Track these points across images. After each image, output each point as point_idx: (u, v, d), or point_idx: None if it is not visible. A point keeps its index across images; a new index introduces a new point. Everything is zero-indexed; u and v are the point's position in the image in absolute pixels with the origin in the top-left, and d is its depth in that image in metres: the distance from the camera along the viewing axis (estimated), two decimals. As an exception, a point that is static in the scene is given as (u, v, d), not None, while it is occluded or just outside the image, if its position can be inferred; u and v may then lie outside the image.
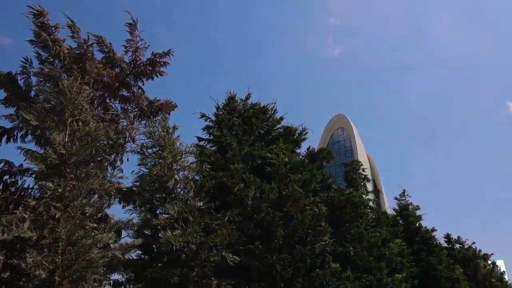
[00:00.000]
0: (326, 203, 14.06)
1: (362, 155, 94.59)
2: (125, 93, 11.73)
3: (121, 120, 11.54)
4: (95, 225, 7.11)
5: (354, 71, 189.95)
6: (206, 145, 14.15)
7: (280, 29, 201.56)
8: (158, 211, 9.34)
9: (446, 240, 39.30)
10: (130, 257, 10.22)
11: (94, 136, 7.32)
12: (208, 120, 14.50)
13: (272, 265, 9.98)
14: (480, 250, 40.56)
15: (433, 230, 20.80)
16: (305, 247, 10.66)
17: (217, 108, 14.52)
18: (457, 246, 39.49)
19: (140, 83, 11.86)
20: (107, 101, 11.36)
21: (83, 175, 7.27)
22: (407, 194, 22.03)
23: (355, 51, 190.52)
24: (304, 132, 15.84)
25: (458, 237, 39.75)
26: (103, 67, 10.55)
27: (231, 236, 8.75)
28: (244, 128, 14.28)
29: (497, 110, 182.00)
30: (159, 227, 8.41)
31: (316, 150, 15.11)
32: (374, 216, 15.89)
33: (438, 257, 19.01)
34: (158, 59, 11.63)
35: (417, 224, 20.18)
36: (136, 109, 11.95)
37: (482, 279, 33.21)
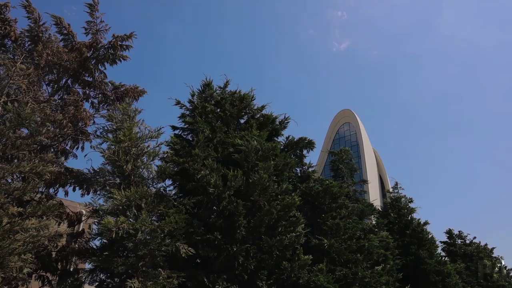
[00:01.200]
0: (304, 194, 13.58)
1: (368, 150, 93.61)
2: (87, 78, 11.29)
3: (86, 105, 11.13)
4: (19, 209, 6.70)
5: (361, 66, 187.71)
6: (181, 133, 13.74)
7: (284, 23, 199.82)
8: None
9: (447, 235, 38.52)
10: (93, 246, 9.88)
11: (25, 117, 6.90)
12: (184, 107, 14.07)
13: (234, 256, 9.50)
14: (486, 245, 39.72)
15: (426, 223, 20.09)
16: (272, 238, 10.16)
17: (192, 95, 14.08)
18: (459, 241, 38.67)
19: (102, 68, 11.40)
20: (71, 86, 10.94)
21: (12, 157, 6.88)
22: (400, 187, 21.32)
23: (362, 45, 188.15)
24: (285, 121, 15.32)
25: (459, 231, 38.88)
26: (61, 49, 10.12)
27: (178, 223, 8.26)
28: (220, 115, 13.82)
29: (507, 105, 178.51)
30: (101, 213, 7.97)
31: (296, 139, 14.53)
32: (359, 208, 15.28)
33: (428, 250, 18.33)
34: (119, 42, 11.16)
35: (409, 217, 19.49)
36: (100, 95, 11.52)
37: (485, 275, 32.37)
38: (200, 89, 14.11)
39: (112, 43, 10.93)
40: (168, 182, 11.38)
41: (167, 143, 12.36)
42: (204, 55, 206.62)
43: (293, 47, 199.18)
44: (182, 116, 13.91)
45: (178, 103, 14.00)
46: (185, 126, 13.53)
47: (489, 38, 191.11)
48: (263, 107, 15.06)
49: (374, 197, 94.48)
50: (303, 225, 11.16)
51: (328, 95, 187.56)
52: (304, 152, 14.60)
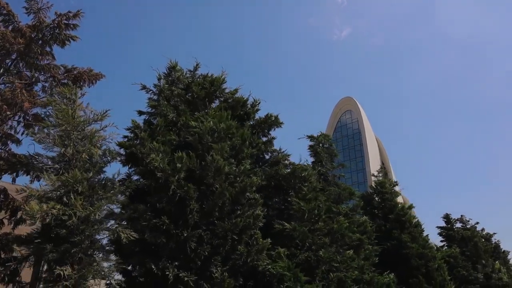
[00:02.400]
0: (272, 177, 13.07)
1: (370, 137, 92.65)
2: (38, 61, 10.83)
3: (36, 89, 10.68)
4: None
5: (362, 53, 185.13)
6: (148, 118, 13.30)
7: (285, 12, 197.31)
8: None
9: (445, 219, 37.85)
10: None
11: None
12: (150, 92, 13.61)
13: (186, 242, 9.08)
14: (483, 229, 38.97)
15: (411, 207, 19.52)
16: (226, 222, 9.71)
17: (159, 79, 13.60)
18: (460, 225, 37.98)
19: (49, 49, 10.92)
20: (21, 69, 10.52)
21: None
22: (385, 171, 20.69)
23: (363, 32, 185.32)
24: (257, 103, 14.80)
25: (461, 216, 38.17)
26: (7, 32, 9.66)
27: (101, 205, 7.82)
28: (188, 99, 13.35)
29: (509, 90, 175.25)
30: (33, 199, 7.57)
31: (263, 117, 13.99)
32: (336, 192, 14.75)
33: (411, 234, 17.79)
34: (65, 21, 10.65)
35: (393, 202, 18.92)
36: (51, 78, 11.08)
37: (480, 258, 31.72)
38: (166, 72, 13.64)
39: (56, 22, 10.44)
40: (125, 168, 11.05)
41: (127, 128, 11.98)
42: (204, 44, 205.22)
43: (294, 35, 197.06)
44: (149, 100, 13.48)
45: (144, 87, 13.55)
46: (151, 111, 13.09)
47: (490, 22, 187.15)
48: (236, 90, 14.58)
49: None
50: (260, 207, 10.70)
51: (330, 83, 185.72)
52: (272, 132, 14.11)
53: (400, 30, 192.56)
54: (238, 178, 10.56)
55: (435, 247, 40.39)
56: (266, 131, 14.11)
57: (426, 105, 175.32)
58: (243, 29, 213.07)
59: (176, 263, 9.03)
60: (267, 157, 14.13)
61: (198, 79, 14.21)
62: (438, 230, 38.39)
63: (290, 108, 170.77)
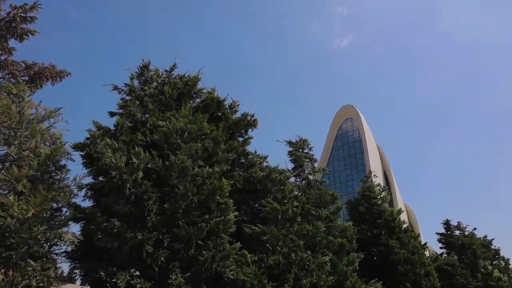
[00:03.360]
0: (247, 181, 12.43)
1: (371, 145, 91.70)
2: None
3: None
4: None
5: (363, 61, 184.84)
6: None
7: (284, 20, 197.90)
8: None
9: (445, 226, 36.79)
10: None
11: None
12: (122, 92, 13.09)
13: (141, 246, 8.42)
14: (485, 236, 37.84)
15: (399, 212, 18.71)
16: (190, 226, 9.05)
17: (131, 78, 13.09)
18: (458, 232, 36.93)
19: (6, 44, 10.45)
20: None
21: None
22: (375, 175, 19.95)
23: (364, 40, 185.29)
24: (235, 105, 14.21)
25: (458, 222, 37.14)
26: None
27: (43, 206, 7.22)
28: (160, 99, 12.81)
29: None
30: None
31: (238, 118, 13.37)
32: (317, 196, 14.05)
33: (399, 240, 16.96)
34: (22, 14, 10.18)
35: (381, 207, 18.14)
36: (9, 75, 10.59)
37: (478, 266, 30.59)
38: (138, 71, 13.13)
39: (12, 15, 9.97)
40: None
41: (88, 130, 11.47)
42: (205, 53, 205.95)
43: (295, 44, 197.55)
44: (122, 100, 12.98)
45: (115, 88, 13.02)
46: (122, 111, 12.56)
47: (493, 29, 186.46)
48: (213, 90, 14.00)
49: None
50: (232, 211, 10.04)
51: (330, 91, 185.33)
52: (250, 132, 13.49)
53: (402, 37, 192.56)
54: (207, 181, 9.92)
55: (433, 255, 39.44)
56: (242, 131, 13.48)
57: (428, 112, 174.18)
58: (244, 37, 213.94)
59: (132, 269, 8.38)
60: (243, 160, 13.51)
61: (175, 79, 13.71)
62: (438, 237, 37.44)
63: (291, 117, 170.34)
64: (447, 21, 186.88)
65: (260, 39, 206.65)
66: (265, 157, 13.51)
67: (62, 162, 8.66)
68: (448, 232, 35.28)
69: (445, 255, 34.62)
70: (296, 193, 14.43)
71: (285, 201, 12.17)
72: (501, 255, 35.35)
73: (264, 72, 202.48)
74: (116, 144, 9.07)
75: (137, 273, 8.34)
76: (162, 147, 9.88)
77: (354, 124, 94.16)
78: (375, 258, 16.39)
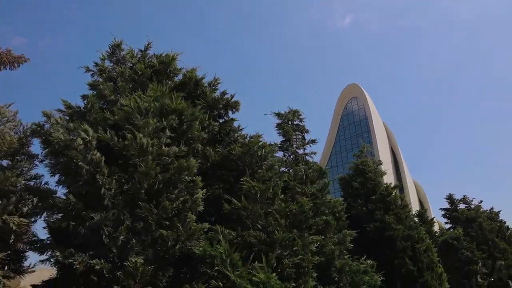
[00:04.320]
0: (225, 158, 11.66)
1: (377, 124, 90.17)
2: None
3: None
4: None
5: (366, 40, 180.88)
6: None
7: (284, 2, 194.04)
8: None
9: (448, 200, 35.80)
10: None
11: None
12: (94, 74, 12.37)
13: (99, 227, 7.81)
14: (491, 208, 36.75)
15: (396, 186, 17.84)
16: (153, 205, 8.40)
17: (103, 59, 12.34)
18: (464, 206, 35.91)
19: None
20: None
21: None
22: (369, 150, 18.99)
23: (366, 18, 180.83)
24: (216, 82, 13.36)
25: (463, 196, 36.10)
26: None
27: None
28: (133, 78, 12.07)
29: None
30: None
31: (218, 96, 12.53)
32: (301, 171, 13.27)
33: (396, 215, 16.15)
34: None
35: (376, 181, 17.23)
36: None
37: (485, 239, 29.69)
38: (109, 51, 12.36)
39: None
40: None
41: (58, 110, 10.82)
42: (203, 36, 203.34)
43: (297, 24, 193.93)
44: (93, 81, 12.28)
45: (88, 69, 12.31)
46: (93, 92, 11.86)
47: (492, 5, 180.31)
48: (193, 69, 13.18)
49: (387, 170, 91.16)
50: (201, 190, 9.39)
51: (335, 71, 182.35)
52: (230, 113, 12.67)
53: (405, 14, 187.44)
54: (172, 160, 9.24)
55: (441, 230, 38.48)
56: (222, 112, 12.67)
57: (433, 88, 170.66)
58: (244, 20, 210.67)
59: (91, 252, 7.79)
60: (226, 138, 12.75)
61: (151, 59, 12.93)
62: (442, 212, 36.51)
63: (295, 98, 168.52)
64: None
65: (260, 21, 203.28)
66: (259, 136, 12.56)
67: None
68: (452, 207, 34.30)
69: (451, 229, 33.76)
70: (282, 168, 13.68)
71: (265, 178, 11.44)
72: (507, 226, 34.23)
73: (265, 55, 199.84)
74: (71, 124, 8.39)
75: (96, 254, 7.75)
76: (123, 127, 9.19)
77: (360, 103, 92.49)
78: (370, 234, 15.63)
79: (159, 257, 8.29)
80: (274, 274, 9.29)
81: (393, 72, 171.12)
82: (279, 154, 14.51)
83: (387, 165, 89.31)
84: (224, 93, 12.34)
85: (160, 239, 8.34)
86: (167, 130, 9.67)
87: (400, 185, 17.93)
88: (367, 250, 14.82)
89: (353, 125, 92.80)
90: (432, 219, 40.99)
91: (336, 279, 11.27)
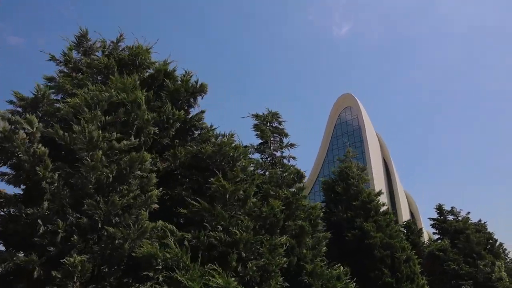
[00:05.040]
0: (195, 156, 10.91)
1: (370, 134, 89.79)
2: None
3: None
4: None
5: (362, 49, 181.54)
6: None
7: (284, 8, 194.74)
8: None
9: (437, 211, 35.11)
10: None
11: None
12: (60, 63, 11.65)
13: (35, 223, 7.03)
14: (479, 220, 36.09)
15: (379, 193, 17.10)
16: (100, 201, 7.62)
17: (70, 49, 11.63)
18: (451, 217, 35.23)
19: None
20: None
21: None
22: (354, 155, 18.30)
23: (363, 28, 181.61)
24: (188, 76, 12.62)
25: (451, 207, 35.42)
26: None
27: None
28: (100, 69, 11.35)
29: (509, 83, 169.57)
30: None
31: (179, 84, 11.73)
32: (278, 174, 12.53)
33: (376, 223, 15.36)
34: None
35: (358, 187, 16.49)
36: None
37: (472, 251, 28.89)
38: (76, 41, 11.65)
39: None
40: None
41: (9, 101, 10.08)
42: (203, 41, 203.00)
43: (294, 33, 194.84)
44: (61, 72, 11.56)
45: (52, 58, 11.59)
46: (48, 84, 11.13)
47: (489, 15, 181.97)
48: (165, 62, 12.48)
49: (379, 180, 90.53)
50: (155, 186, 8.67)
51: (330, 80, 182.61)
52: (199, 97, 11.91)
53: (400, 25, 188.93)
54: (123, 154, 8.51)
55: (429, 241, 37.70)
56: (190, 100, 11.89)
57: (427, 99, 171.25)
58: (242, 26, 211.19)
59: (27, 251, 6.99)
60: (196, 133, 12.03)
61: (123, 51, 12.24)
62: (431, 222, 35.78)
63: (289, 106, 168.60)
64: (445, 9, 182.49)
65: (258, 27, 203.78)
66: (232, 136, 11.83)
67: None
68: (441, 217, 33.57)
69: (439, 241, 32.99)
70: (257, 171, 12.95)
71: (237, 179, 10.70)
72: (495, 238, 33.52)
73: (262, 61, 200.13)
74: (13, 116, 7.63)
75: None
76: (70, 118, 8.45)
77: (353, 113, 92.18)
78: (349, 242, 14.85)
79: (105, 257, 7.49)
80: (234, 279, 8.52)
81: (387, 83, 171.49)
82: (256, 156, 13.81)
83: (379, 176, 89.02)
84: (185, 80, 11.56)
85: (107, 237, 7.56)
86: (118, 124, 8.96)
87: (383, 192, 17.06)
88: (345, 259, 14.05)
89: (346, 135, 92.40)
90: (420, 229, 40.27)
91: (307, 281, 10.48)
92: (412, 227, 37.48)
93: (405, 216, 77.45)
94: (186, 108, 11.81)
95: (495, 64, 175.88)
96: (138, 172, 8.53)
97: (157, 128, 9.92)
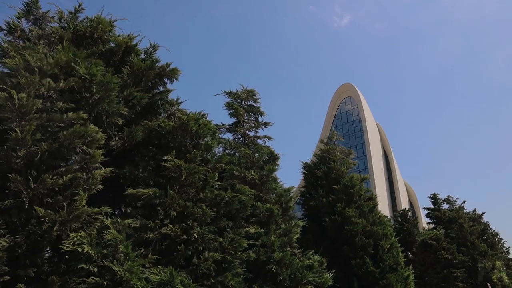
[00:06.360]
0: (154, 132, 9.97)
1: (370, 124, 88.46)
2: None
3: None
4: None
5: (363, 40, 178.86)
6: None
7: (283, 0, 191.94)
8: None
9: (432, 200, 34.24)
10: None
11: None
12: (5, 32, 10.71)
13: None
14: (474, 210, 35.17)
15: (364, 179, 16.15)
16: (32, 179, 6.76)
17: (19, 18, 10.66)
18: (447, 206, 34.34)
19: None
20: None
21: None
22: (339, 138, 17.31)
23: (363, 19, 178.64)
24: (153, 50, 11.65)
25: (447, 196, 34.53)
26: None
27: None
28: (52, 41, 10.41)
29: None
30: None
31: (146, 64, 10.76)
32: (248, 155, 11.58)
33: (359, 208, 14.43)
34: None
35: (340, 171, 15.48)
36: None
37: (465, 240, 28.00)
38: (24, 9, 10.70)
39: None
40: None
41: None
42: (204, 32, 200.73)
43: (294, 23, 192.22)
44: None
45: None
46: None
47: (491, 7, 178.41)
48: (130, 36, 11.50)
49: (378, 171, 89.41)
50: (99, 165, 7.75)
51: (330, 71, 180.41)
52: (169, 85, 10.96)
53: (401, 16, 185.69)
54: (66, 126, 7.60)
55: (424, 230, 36.79)
56: (157, 82, 10.96)
57: (429, 91, 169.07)
58: (243, 16, 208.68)
59: None
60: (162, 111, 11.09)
61: (82, 23, 11.26)
62: (426, 212, 34.92)
63: (290, 96, 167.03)
64: (447, 1, 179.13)
65: (259, 18, 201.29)
66: (180, 102, 10.87)
67: None
68: (435, 206, 32.71)
69: (433, 230, 32.15)
70: (227, 151, 12.03)
71: (197, 159, 9.78)
72: (491, 228, 32.63)
73: (262, 52, 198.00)
74: None
75: None
76: (5, 84, 7.52)
77: (353, 103, 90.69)
78: (328, 228, 13.97)
79: (32, 242, 6.65)
80: (183, 272, 7.70)
81: (389, 72, 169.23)
82: (229, 136, 12.88)
83: (379, 166, 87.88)
84: (153, 61, 10.57)
85: (35, 219, 6.71)
86: (66, 94, 8.05)
87: (368, 179, 16.05)
88: (324, 247, 13.20)
89: (346, 125, 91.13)
90: (416, 219, 39.44)
91: (274, 270, 9.61)
92: (408, 216, 36.64)
93: (404, 206, 76.51)
94: (149, 87, 10.86)
95: (497, 58, 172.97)
96: (84, 148, 7.62)
97: (118, 104, 8.95)
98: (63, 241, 6.61)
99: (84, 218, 7.07)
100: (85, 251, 6.55)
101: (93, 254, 6.64)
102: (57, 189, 7.04)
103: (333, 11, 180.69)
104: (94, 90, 8.48)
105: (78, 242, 6.60)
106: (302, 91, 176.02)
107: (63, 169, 7.30)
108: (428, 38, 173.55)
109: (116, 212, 8.67)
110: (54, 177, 7.01)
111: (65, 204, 7.05)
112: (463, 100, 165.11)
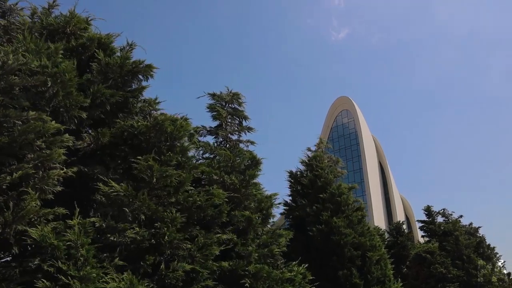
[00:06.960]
0: (126, 132, 9.33)
1: (366, 137, 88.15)
2: None
3: None
4: None
5: (360, 54, 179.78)
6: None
7: (282, 14, 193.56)
8: None
9: (426, 212, 33.46)
10: None
11: None
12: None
13: None
14: (471, 224, 34.41)
15: (352, 187, 15.48)
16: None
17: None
18: (442, 219, 33.55)
19: None
20: None
21: None
22: (327, 146, 16.72)
23: (361, 33, 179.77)
24: (130, 48, 11.08)
25: (443, 209, 33.75)
26: None
27: None
28: (24, 36, 9.88)
29: (508, 86, 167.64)
30: None
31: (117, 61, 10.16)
32: (226, 158, 10.95)
33: (348, 218, 13.70)
34: None
35: (327, 179, 14.77)
36: None
37: (460, 254, 27.21)
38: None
39: None
40: None
41: None
42: (202, 43, 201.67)
43: (291, 37, 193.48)
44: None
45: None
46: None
47: (487, 20, 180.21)
48: (108, 36, 10.96)
49: (375, 184, 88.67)
50: (59, 164, 7.11)
51: (327, 84, 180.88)
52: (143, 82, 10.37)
53: (398, 30, 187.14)
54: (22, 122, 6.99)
55: (418, 243, 35.90)
56: (130, 79, 10.36)
57: (425, 104, 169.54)
58: (241, 29, 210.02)
59: None
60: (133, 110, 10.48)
61: (56, 18, 10.73)
62: (420, 225, 34.14)
63: (286, 109, 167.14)
64: (444, 14, 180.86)
65: (256, 32, 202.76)
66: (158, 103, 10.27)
67: None
68: (430, 219, 31.92)
69: (427, 243, 31.35)
70: (206, 154, 11.43)
71: (173, 162, 9.16)
72: (487, 243, 31.82)
73: (259, 64, 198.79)
74: None
75: None
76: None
77: (350, 116, 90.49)
78: (314, 239, 13.25)
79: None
80: (146, 281, 7.00)
81: (386, 85, 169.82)
82: (209, 139, 12.28)
83: (375, 179, 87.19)
84: (124, 57, 9.96)
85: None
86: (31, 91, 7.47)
87: (357, 187, 15.36)
88: (311, 258, 12.47)
89: (343, 138, 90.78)
90: (411, 232, 38.66)
91: (248, 285, 8.87)
92: (402, 229, 35.84)
93: (400, 219, 75.57)
94: (121, 85, 10.25)
95: (494, 68, 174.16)
96: (42, 145, 6.99)
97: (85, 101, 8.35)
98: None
99: (32, 218, 6.40)
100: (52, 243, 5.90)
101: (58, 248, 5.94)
102: (4, 187, 6.40)
103: (331, 25, 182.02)
104: (49, 84, 7.86)
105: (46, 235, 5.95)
106: (298, 103, 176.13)
107: (14, 167, 6.67)
108: (425, 51, 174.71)
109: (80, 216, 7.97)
110: (2, 175, 6.37)
111: (10, 204, 6.39)
112: (460, 112, 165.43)
